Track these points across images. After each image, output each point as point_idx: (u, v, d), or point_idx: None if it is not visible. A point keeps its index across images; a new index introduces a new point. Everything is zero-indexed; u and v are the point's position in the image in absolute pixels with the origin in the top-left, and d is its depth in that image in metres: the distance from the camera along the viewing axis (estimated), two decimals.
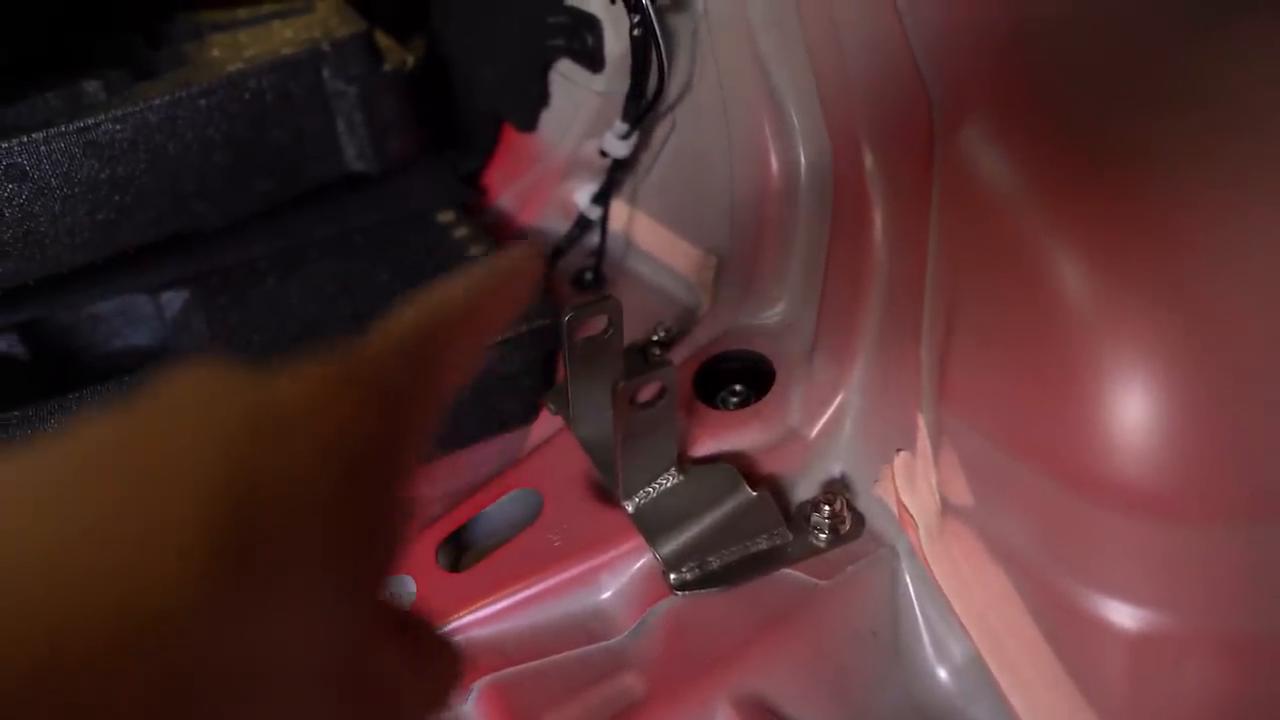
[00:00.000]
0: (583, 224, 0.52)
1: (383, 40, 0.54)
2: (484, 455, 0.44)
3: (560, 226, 0.53)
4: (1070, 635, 0.31)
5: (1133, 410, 0.28)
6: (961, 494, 0.33)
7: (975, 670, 0.34)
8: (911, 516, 0.35)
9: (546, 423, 0.45)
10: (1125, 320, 0.28)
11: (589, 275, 0.52)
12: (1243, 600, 0.28)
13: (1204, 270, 0.28)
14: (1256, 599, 0.28)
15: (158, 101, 0.44)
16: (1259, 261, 0.28)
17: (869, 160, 0.34)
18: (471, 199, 0.56)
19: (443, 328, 0.19)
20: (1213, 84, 0.29)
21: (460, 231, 0.51)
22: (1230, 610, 0.28)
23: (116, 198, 0.44)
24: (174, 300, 0.48)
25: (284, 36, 0.51)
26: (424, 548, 0.39)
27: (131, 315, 0.49)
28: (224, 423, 0.14)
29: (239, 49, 0.49)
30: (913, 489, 0.35)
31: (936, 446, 0.34)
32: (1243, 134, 0.29)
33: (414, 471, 0.17)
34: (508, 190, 0.56)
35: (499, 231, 0.54)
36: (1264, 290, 0.27)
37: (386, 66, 0.51)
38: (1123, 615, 0.30)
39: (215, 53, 0.49)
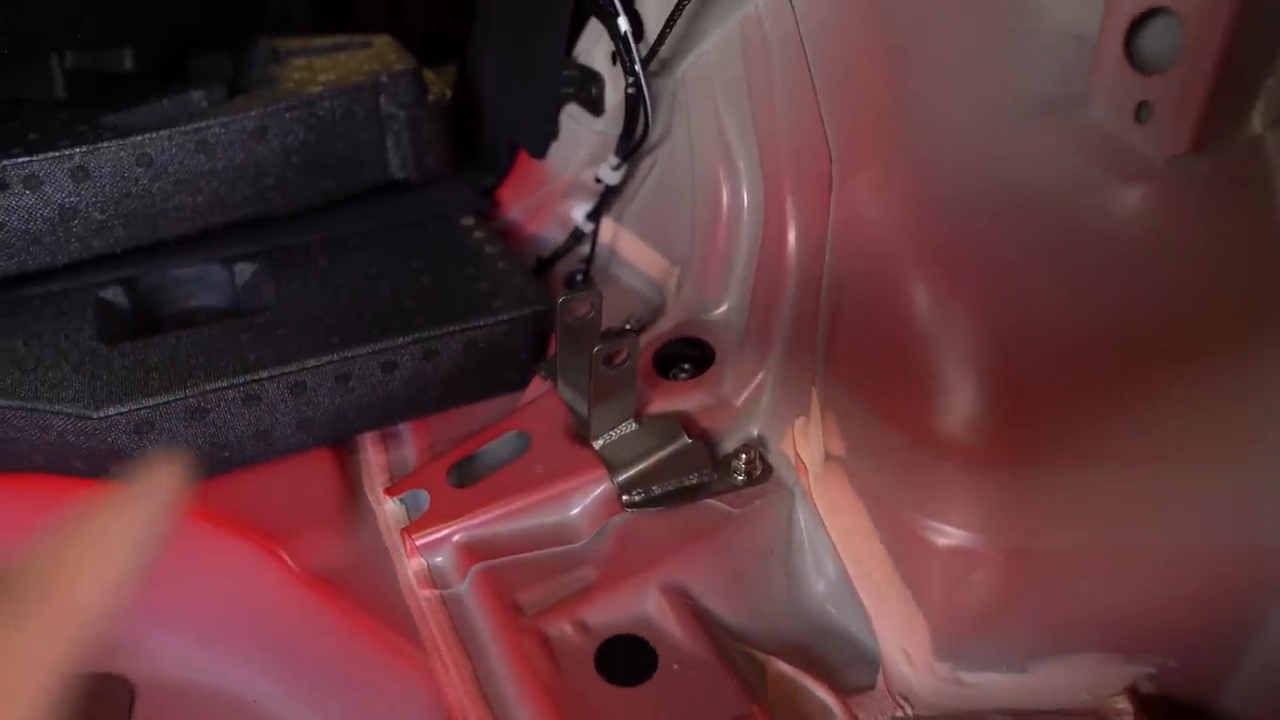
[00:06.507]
0: (577, 235, 0.63)
1: (428, 75, 0.66)
2: (487, 409, 0.54)
3: (558, 236, 0.64)
4: (906, 551, 0.40)
5: (954, 388, 0.39)
6: (838, 446, 0.44)
7: (842, 582, 0.44)
8: (805, 465, 0.47)
9: (536, 388, 0.56)
10: (953, 325, 0.40)
11: (579, 276, 0.62)
12: (1023, 523, 0.38)
13: (1010, 296, 0.39)
14: (1032, 522, 0.38)
15: (254, 112, 0.55)
16: (1047, 291, 0.39)
17: (789, 200, 0.46)
18: (488, 209, 0.66)
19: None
20: (1034, 170, 0.41)
21: (478, 234, 0.62)
22: (1014, 530, 0.37)
23: (213, 185, 0.56)
24: (244, 271, 0.59)
25: (350, 66, 0.62)
26: (438, 470, 0.49)
27: (208, 280, 0.59)
28: None
29: (315, 74, 0.61)
30: (806, 445, 0.47)
31: (823, 412, 0.45)
32: (1047, 205, 0.40)
33: None
34: (518, 204, 0.67)
35: (509, 235, 0.66)
36: (1049, 309, 0.39)
37: (430, 97, 0.63)
38: (942, 535, 0.39)
39: (297, 76, 0.60)
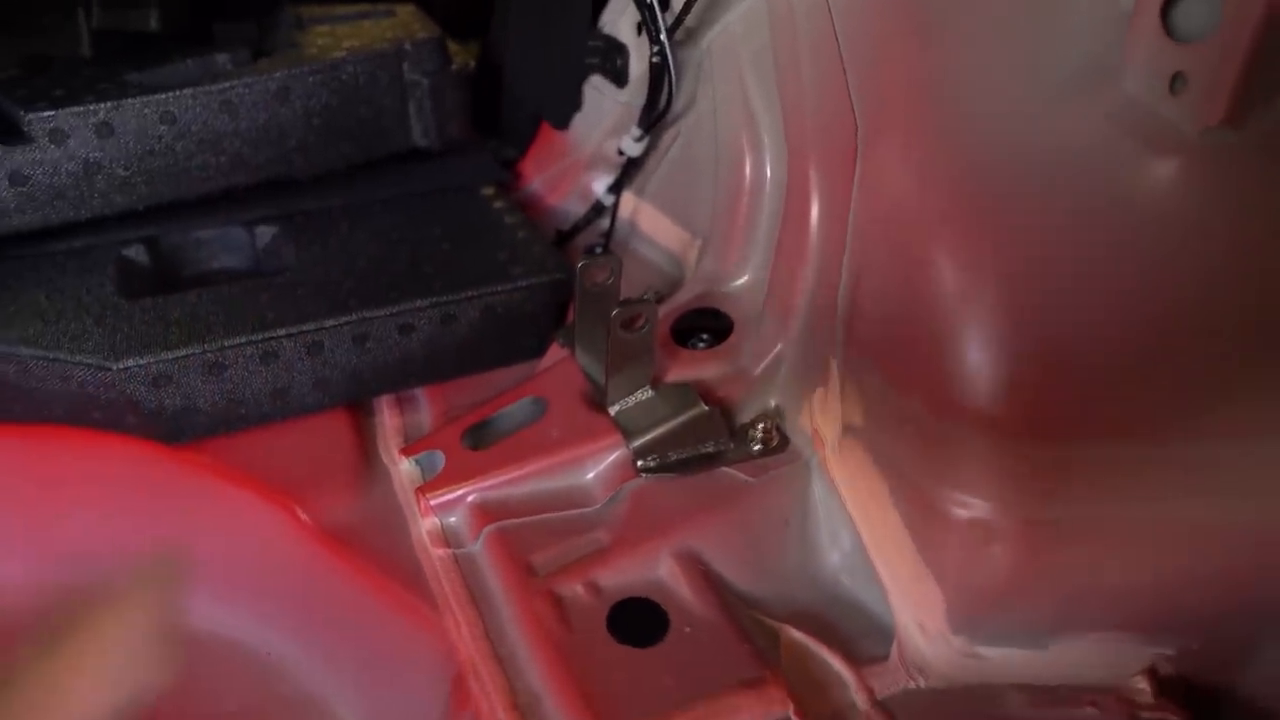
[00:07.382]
0: (598, 208, 0.63)
1: (451, 46, 0.66)
2: (504, 376, 0.54)
3: (579, 208, 0.64)
4: (923, 523, 0.40)
5: (978, 360, 0.39)
6: (857, 418, 0.44)
7: (857, 553, 0.44)
8: (822, 437, 0.47)
9: (553, 356, 0.56)
10: (977, 296, 0.39)
11: (599, 249, 0.63)
12: (1043, 496, 0.37)
13: (1036, 269, 0.39)
14: (1052, 495, 0.37)
15: (278, 75, 0.55)
16: (1074, 263, 0.39)
17: (812, 172, 0.46)
18: (509, 180, 0.67)
19: None
20: (1064, 141, 0.41)
21: (498, 204, 0.62)
22: (1034, 503, 0.37)
23: (236, 145, 0.56)
24: (265, 233, 0.59)
25: (374, 34, 0.62)
26: (454, 432, 0.49)
27: (228, 242, 0.59)
28: None
29: (339, 40, 0.61)
30: (824, 416, 0.46)
31: (843, 383, 0.45)
32: (1077, 177, 0.40)
33: None
34: (539, 176, 0.67)
35: (530, 208, 0.66)
36: (1075, 281, 0.38)
37: (453, 66, 0.63)
38: (960, 507, 0.38)
39: (320, 41, 0.61)
